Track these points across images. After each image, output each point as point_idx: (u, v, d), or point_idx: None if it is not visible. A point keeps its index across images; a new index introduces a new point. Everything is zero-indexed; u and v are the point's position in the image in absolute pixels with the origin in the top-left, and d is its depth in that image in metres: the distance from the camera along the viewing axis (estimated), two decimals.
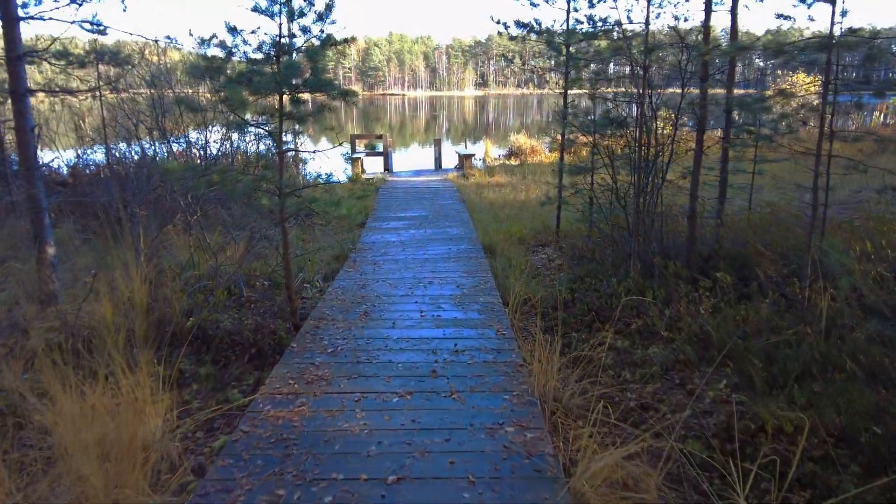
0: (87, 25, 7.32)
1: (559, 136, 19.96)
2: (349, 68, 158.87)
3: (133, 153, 10.10)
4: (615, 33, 6.40)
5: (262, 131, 4.55)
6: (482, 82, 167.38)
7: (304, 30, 4.58)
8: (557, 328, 4.46)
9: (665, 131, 5.92)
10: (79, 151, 11.14)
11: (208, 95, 12.25)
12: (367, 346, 4.46)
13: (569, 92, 7.50)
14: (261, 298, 5.72)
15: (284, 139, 4.84)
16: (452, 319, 5.02)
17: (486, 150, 19.50)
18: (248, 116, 4.49)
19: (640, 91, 5.46)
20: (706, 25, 5.47)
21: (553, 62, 8.50)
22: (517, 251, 8.04)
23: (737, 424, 3.32)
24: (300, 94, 4.38)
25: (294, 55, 4.57)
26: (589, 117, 7.00)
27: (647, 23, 5.02)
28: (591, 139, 6.44)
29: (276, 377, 3.95)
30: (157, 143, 10.07)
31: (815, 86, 8.69)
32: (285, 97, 4.47)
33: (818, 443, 3.23)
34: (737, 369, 4.15)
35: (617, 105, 6.20)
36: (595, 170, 6.87)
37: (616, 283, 5.30)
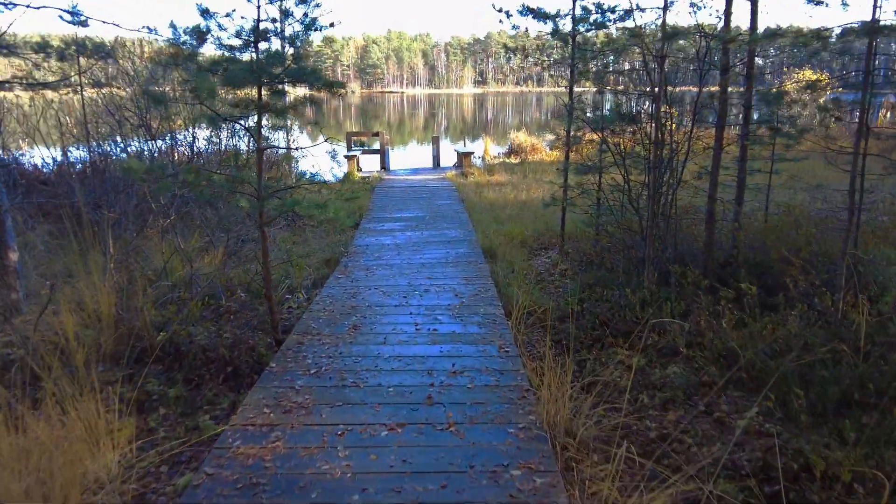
0: (67, 16, 6.85)
1: (564, 133, 19.46)
2: (347, 66, 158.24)
3: (119, 150, 9.62)
4: (625, 22, 5.95)
5: (238, 126, 4.08)
6: (481, 80, 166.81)
7: (286, 13, 4.12)
8: (568, 347, 4.02)
9: (680, 127, 5.47)
10: (66, 149, 10.65)
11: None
12: (355, 365, 4.00)
13: (574, 87, 7.05)
14: (241, 309, 5.26)
15: (271, 136, 4.39)
16: (450, 334, 4.56)
17: (485, 148, 19.05)
18: (225, 110, 4.03)
19: (655, 84, 5.01)
20: (727, 11, 5.02)
21: (555, 56, 8.05)
22: (519, 254, 7.60)
23: (779, 462, 2.88)
24: (280, 85, 3.92)
25: (275, 40, 4.12)
26: (597, 113, 6.55)
27: (665, 7, 4.57)
28: (599, 136, 5.99)
29: (249, 404, 3.49)
30: (141, 141, 9.58)
31: (826, 80, 8.27)
32: (265, 89, 4.00)
33: (874, 487, 2.79)
34: (770, 394, 3.69)
35: (629, 99, 5.74)
36: (603, 169, 6.42)
37: (630, 294, 4.85)
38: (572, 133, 6.97)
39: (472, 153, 16.15)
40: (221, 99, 4.08)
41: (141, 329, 4.63)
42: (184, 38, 4.05)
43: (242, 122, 3.95)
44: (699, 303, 4.76)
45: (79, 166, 10.29)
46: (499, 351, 4.22)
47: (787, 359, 3.97)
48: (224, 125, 3.93)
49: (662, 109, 5.18)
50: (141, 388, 4.12)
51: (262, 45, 4.10)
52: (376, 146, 17.21)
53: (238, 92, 4.04)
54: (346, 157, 15.12)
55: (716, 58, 5.39)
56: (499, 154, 19.12)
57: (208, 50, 4.22)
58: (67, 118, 10.05)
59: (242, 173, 3.90)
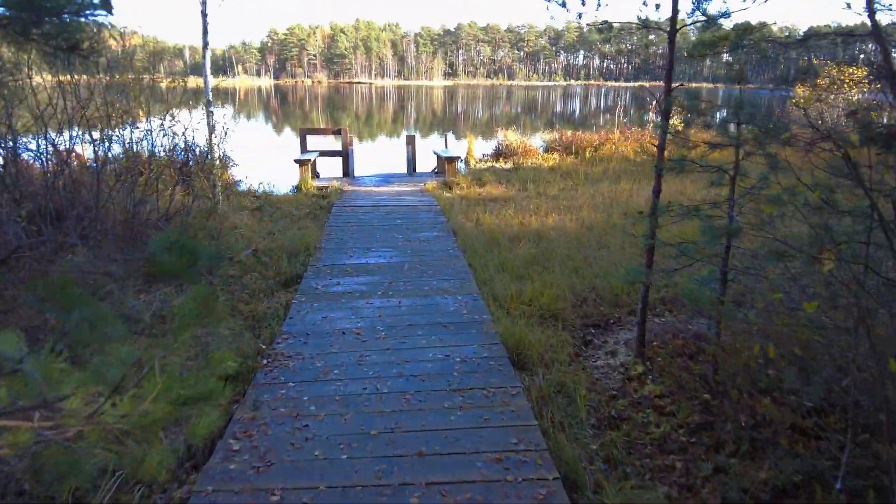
0: None
1: (564, 134, 16.06)
2: (314, 55, 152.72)
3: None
4: None
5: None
6: (451, 72, 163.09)
7: None
8: None
9: None
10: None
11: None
12: None
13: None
14: None
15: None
16: None
17: (468, 150, 15.83)
18: None
19: None
20: None
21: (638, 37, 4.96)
22: (561, 343, 4.56)
23: None
24: None
25: None
26: (718, 116, 3.52)
27: None
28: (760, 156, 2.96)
29: None
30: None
31: None
32: None
33: None
34: None
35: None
36: (736, 224, 3.38)
37: None
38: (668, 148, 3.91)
39: (458, 157, 12.97)
40: None
41: None
42: None
43: None
44: None
45: None
46: None
47: None
48: None
49: None
50: None
51: None
52: (337, 147, 13.91)
53: None
54: (297, 161, 11.78)
55: None
56: (484, 156, 15.97)
57: None
58: None
59: None
